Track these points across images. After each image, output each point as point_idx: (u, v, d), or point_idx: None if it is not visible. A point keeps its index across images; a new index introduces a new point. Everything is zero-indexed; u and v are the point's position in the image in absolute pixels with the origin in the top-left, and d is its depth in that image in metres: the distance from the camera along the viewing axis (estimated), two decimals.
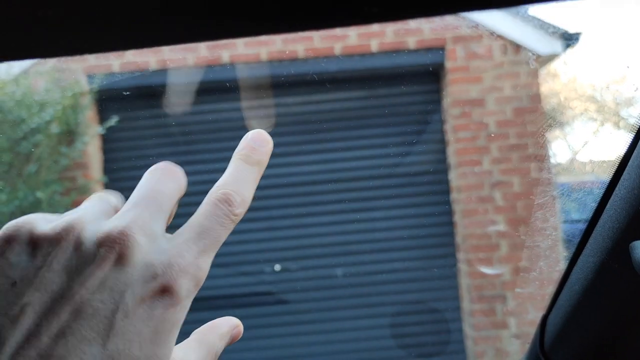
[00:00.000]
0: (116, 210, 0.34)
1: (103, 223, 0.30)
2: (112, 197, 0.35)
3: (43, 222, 0.31)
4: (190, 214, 0.35)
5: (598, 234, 0.56)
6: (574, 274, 0.62)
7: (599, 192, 0.59)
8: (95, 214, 0.32)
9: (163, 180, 0.34)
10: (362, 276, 3.79)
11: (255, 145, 0.38)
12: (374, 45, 3.74)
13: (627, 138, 0.61)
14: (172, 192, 0.34)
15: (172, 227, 0.35)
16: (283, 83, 3.86)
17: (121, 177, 3.83)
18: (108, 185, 3.75)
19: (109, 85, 3.65)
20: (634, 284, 0.51)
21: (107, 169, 3.81)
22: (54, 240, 0.29)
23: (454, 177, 3.74)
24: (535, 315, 3.58)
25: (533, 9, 3.97)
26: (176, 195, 0.34)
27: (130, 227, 0.30)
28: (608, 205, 0.55)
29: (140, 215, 0.31)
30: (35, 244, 0.29)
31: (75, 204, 3.52)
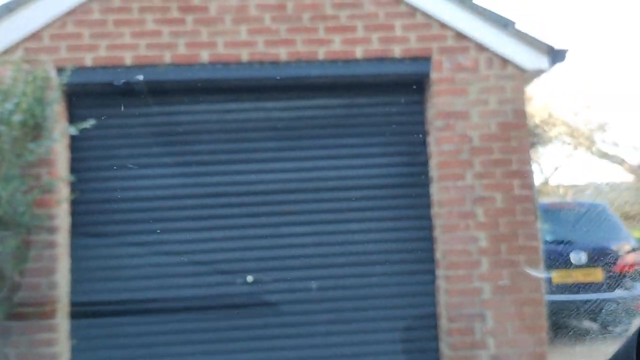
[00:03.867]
0: None
1: None
2: None
3: None
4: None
5: None
6: None
7: None
8: None
9: None
10: (337, 290, 3.65)
11: None
12: (359, 52, 3.64)
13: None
14: None
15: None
16: (263, 86, 3.73)
17: (89, 178, 3.64)
18: (74, 185, 3.56)
19: (80, 80, 3.48)
20: None
21: (75, 167, 3.62)
22: None
23: (436, 191, 3.63)
24: (514, 335, 3.48)
25: (520, 23, 3.92)
26: None
27: None
28: None
29: None
30: None
31: (37, 203, 3.32)
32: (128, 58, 3.55)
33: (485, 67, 3.69)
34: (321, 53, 3.62)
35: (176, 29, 3.58)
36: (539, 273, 3.43)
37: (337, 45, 3.64)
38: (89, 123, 3.23)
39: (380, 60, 3.66)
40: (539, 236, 3.67)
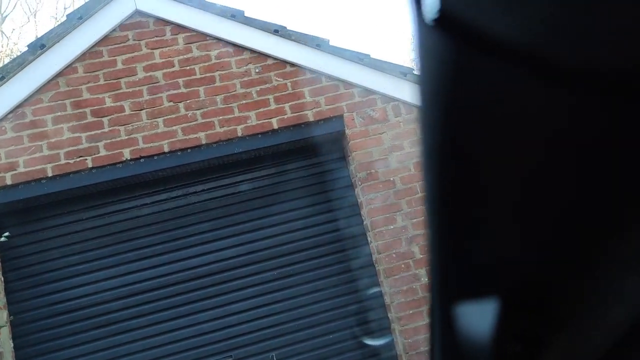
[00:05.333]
0: None
1: None
2: None
3: None
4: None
5: (432, 294, 0.46)
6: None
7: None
8: None
9: None
10: (298, 356, 3.66)
11: None
12: (275, 123, 3.83)
13: None
14: None
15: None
16: (189, 172, 3.82)
17: (25, 297, 3.55)
18: (9, 307, 3.45)
19: (2, 200, 3.45)
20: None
21: (8, 288, 3.52)
22: None
23: (372, 238, 3.79)
24: None
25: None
26: None
27: None
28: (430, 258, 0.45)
29: None
30: None
31: None
32: (49, 169, 3.56)
33: (393, 115, 3.96)
34: (239, 130, 3.78)
35: (94, 133, 3.64)
36: (376, 341, 3.58)
37: (253, 121, 3.82)
38: (6, 235, 3.19)
39: (296, 126, 3.86)
40: None
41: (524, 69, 0.22)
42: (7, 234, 3.30)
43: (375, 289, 3.69)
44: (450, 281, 0.40)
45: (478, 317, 0.37)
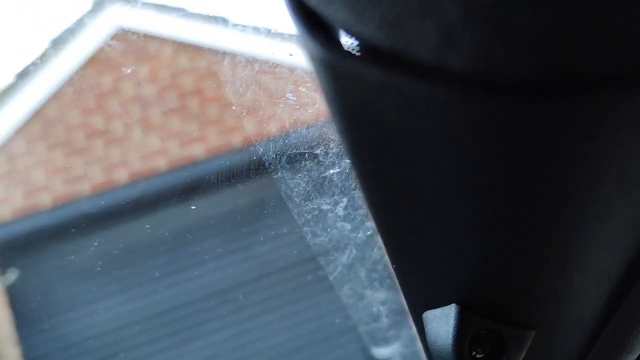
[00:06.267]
0: None
1: None
2: None
3: None
4: None
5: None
6: None
7: None
8: None
9: None
10: None
11: None
12: (273, 128, 3.67)
13: None
14: None
15: None
16: (189, 188, 3.70)
17: (36, 330, 3.49)
18: (22, 343, 3.40)
19: (2, 237, 3.39)
20: None
21: (19, 324, 3.47)
22: None
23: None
24: None
25: None
26: None
27: None
28: None
29: None
30: None
31: None
32: (47, 200, 3.49)
33: None
34: (237, 139, 3.64)
35: (88, 157, 3.56)
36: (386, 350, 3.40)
37: (250, 128, 3.66)
38: (14, 275, 3.14)
39: (295, 130, 3.69)
40: None
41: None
42: (15, 273, 3.24)
43: (391, 292, 3.52)
44: (412, 288, 0.41)
45: (440, 323, 0.37)
